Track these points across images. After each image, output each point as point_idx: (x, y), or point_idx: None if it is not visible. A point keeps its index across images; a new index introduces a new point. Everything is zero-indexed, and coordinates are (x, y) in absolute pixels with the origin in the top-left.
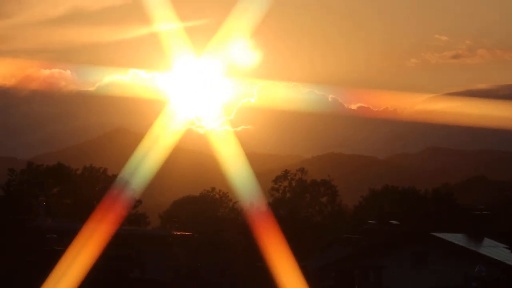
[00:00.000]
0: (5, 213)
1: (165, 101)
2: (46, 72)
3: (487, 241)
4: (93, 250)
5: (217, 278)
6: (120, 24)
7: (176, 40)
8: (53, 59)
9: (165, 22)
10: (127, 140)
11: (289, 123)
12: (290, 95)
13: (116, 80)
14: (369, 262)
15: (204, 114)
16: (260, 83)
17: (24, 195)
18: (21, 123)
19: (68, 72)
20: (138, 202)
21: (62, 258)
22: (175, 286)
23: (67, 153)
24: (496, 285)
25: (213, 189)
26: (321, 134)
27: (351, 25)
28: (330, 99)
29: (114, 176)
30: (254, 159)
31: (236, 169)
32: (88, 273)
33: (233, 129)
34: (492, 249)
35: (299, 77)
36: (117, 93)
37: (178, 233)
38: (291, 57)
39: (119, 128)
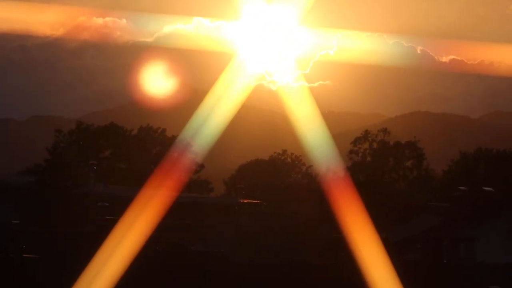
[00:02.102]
0: (52, 179)
1: (232, 54)
2: (98, 21)
3: None
4: (149, 220)
5: (288, 252)
6: None
7: None
8: (106, 6)
9: None
10: (188, 97)
11: (372, 78)
12: (373, 46)
13: (177, 30)
14: (460, 234)
15: (276, 68)
16: (340, 33)
17: (73, 159)
18: (70, 78)
19: (124, 21)
20: (200, 167)
21: (115, 229)
22: (241, 260)
23: (120, 111)
24: None
25: (285, 152)
26: (407, 91)
27: None
28: (419, 51)
29: (174, 138)
30: (331, 118)
31: (311, 130)
32: (144, 245)
33: (309, 84)
34: None
35: (384, 26)
36: (179, 45)
37: (245, 201)
38: (375, 3)
39: (180, 83)
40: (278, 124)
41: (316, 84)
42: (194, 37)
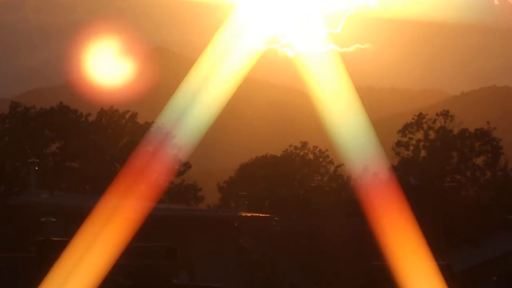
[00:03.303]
0: None
1: (228, 7)
2: None
3: None
4: (113, 241)
5: (312, 286)
6: None
7: None
8: None
9: None
10: (168, 67)
11: (427, 42)
12: None
13: None
14: None
15: (293, 27)
16: None
17: (6, 155)
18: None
19: None
20: (185, 166)
21: (65, 254)
22: None
23: (70, 89)
24: None
25: (305, 145)
26: (477, 59)
27: None
28: (496, 2)
29: (148, 125)
30: (371, 96)
31: (342, 113)
32: (105, 278)
33: (341, 49)
34: None
35: None
36: None
37: (249, 214)
38: None
39: (157, 48)
40: (296, 106)
41: (350, 49)
42: None
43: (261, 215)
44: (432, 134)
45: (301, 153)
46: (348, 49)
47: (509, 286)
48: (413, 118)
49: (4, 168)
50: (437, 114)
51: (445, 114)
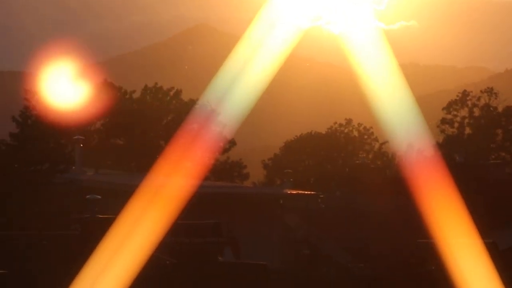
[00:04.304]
0: (19, 161)
1: None
2: None
3: None
4: (158, 219)
5: (355, 263)
6: None
7: None
8: None
9: None
10: (212, 45)
11: (472, 18)
12: None
13: None
14: None
15: (337, 4)
16: None
17: (49, 132)
18: (48, 19)
19: None
20: (230, 144)
21: (111, 232)
22: (288, 277)
23: (117, 64)
24: None
25: (349, 122)
26: None
27: None
28: None
29: (192, 102)
30: (415, 73)
31: (387, 90)
32: (151, 256)
33: (386, 27)
34: None
35: None
36: None
37: (294, 192)
38: None
39: (200, 25)
40: (340, 83)
41: (396, 26)
42: None
43: (306, 192)
44: (476, 111)
45: (346, 130)
46: (393, 26)
47: None
48: (457, 95)
49: (49, 145)
50: (481, 91)
51: (490, 91)
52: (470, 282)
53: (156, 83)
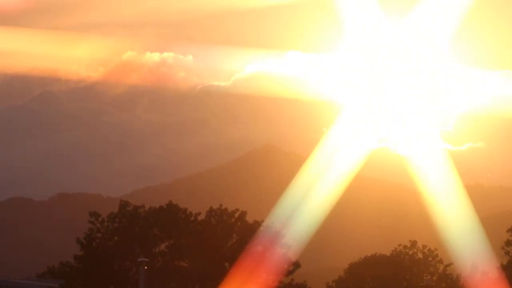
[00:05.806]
0: (86, 284)
1: (338, 105)
2: (153, 57)
3: None
4: None
5: None
6: None
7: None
8: (164, 36)
9: None
10: (278, 165)
11: None
12: None
13: (262, 70)
14: None
15: (403, 126)
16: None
17: (115, 254)
18: (111, 141)
19: (190, 57)
20: (295, 266)
21: None
22: None
23: (180, 187)
24: None
25: (414, 243)
26: None
27: None
28: None
29: (257, 224)
30: (480, 194)
31: (451, 212)
32: None
33: (454, 148)
34: None
35: None
36: (264, 92)
37: None
38: None
39: (267, 146)
40: (406, 204)
41: (463, 147)
42: (284, 81)
43: None
44: None
45: (410, 252)
46: (460, 147)
47: None
48: None
49: (113, 267)
50: None
51: None
52: None
53: (221, 205)
